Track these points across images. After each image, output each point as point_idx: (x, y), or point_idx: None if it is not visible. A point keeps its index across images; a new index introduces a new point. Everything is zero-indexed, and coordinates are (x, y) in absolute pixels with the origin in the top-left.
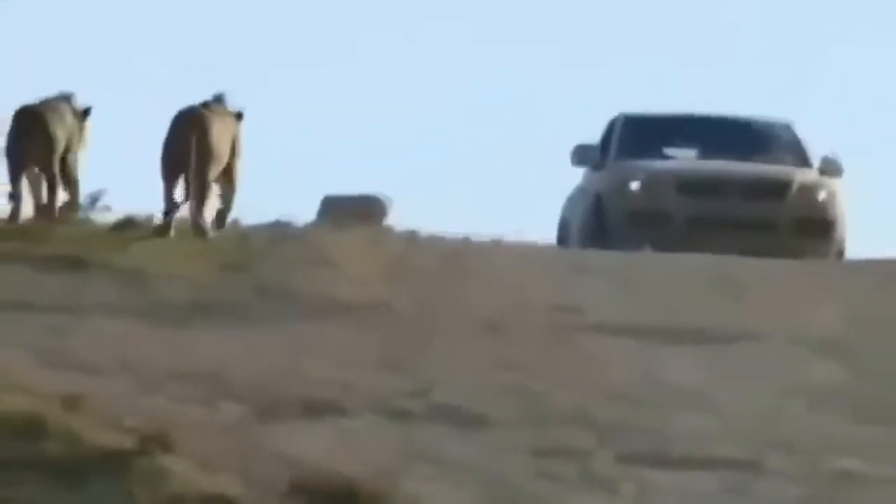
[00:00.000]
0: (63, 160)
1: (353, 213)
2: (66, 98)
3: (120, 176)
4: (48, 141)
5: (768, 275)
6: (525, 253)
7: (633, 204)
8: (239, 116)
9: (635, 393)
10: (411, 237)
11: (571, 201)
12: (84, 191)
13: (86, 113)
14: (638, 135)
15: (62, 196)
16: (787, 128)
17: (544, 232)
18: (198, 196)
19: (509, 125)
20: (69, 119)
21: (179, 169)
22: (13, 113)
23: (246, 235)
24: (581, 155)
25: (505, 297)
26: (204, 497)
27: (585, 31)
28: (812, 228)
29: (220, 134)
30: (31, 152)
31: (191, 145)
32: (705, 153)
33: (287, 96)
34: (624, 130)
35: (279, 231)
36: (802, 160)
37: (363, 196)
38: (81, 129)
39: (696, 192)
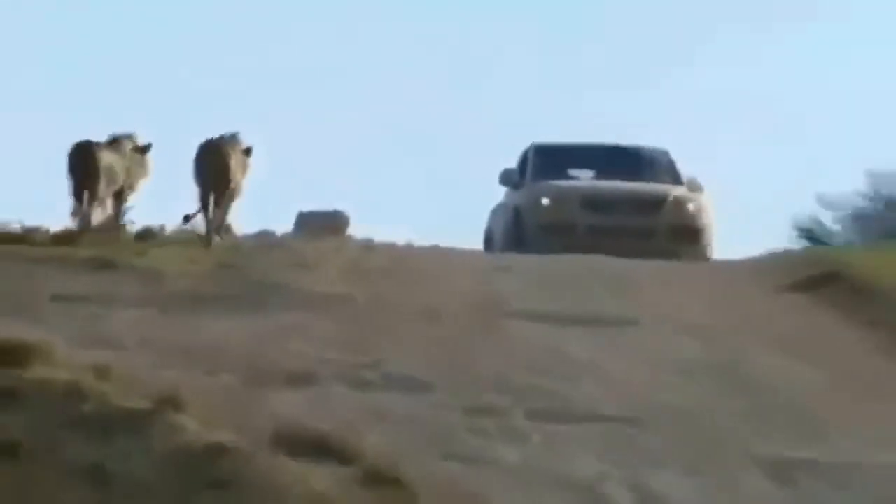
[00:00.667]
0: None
1: (321, 225)
2: (128, 136)
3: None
4: (97, 172)
5: (648, 273)
6: (457, 256)
7: (545, 216)
8: (248, 151)
9: (544, 364)
10: (367, 244)
11: (495, 214)
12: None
13: (146, 148)
14: (547, 160)
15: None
16: (665, 154)
17: (474, 240)
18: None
19: (444, 152)
20: (128, 153)
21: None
22: (73, 146)
23: (237, 242)
24: (505, 177)
25: (442, 291)
26: (207, 446)
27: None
28: (684, 234)
29: (236, 164)
30: (84, 181)
31: (223, 171)
32: (601, 175)
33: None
34: (535, 157)
35: (263, 239)
36: (676, 180)
37: (329, 212)
38: (143, 161)
39: (595, 206)
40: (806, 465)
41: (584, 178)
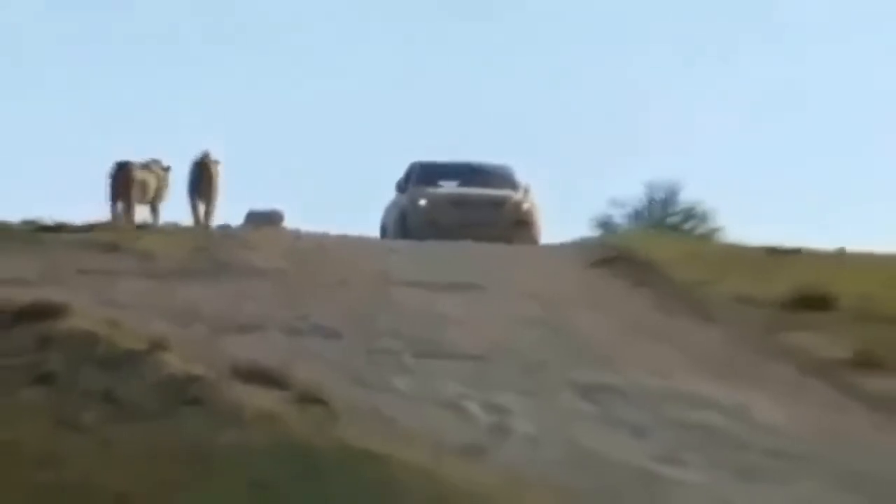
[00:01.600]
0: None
1: (264, 220)
2: (156, 161)
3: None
4: (131, 186)
5: (495, 254)
6: (360, 241)
7: (422, 213)
8: (217, 163)
9: (422, 318)
10: (296, 233)
11: (387, 212)
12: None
13: (167, 169)
14: (425, 173)
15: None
16: (508, 168)
17: (372, 229)
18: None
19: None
20: (159, 173)
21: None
22: (114, 164)
23: (208, 232)
24: (397, 184)
25: (348, 266)
26: (186, 376)
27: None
28: (520, 225)
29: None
30: (120, 192)
31: (213, 182)
32: (463, 184)
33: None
34: (417, 170)
35: (224, 230)
36: (515, 187)
37: (269, 210)
38: (167, 179)
39: (458, 205)
40: (605, 388)
41: (450, 186)
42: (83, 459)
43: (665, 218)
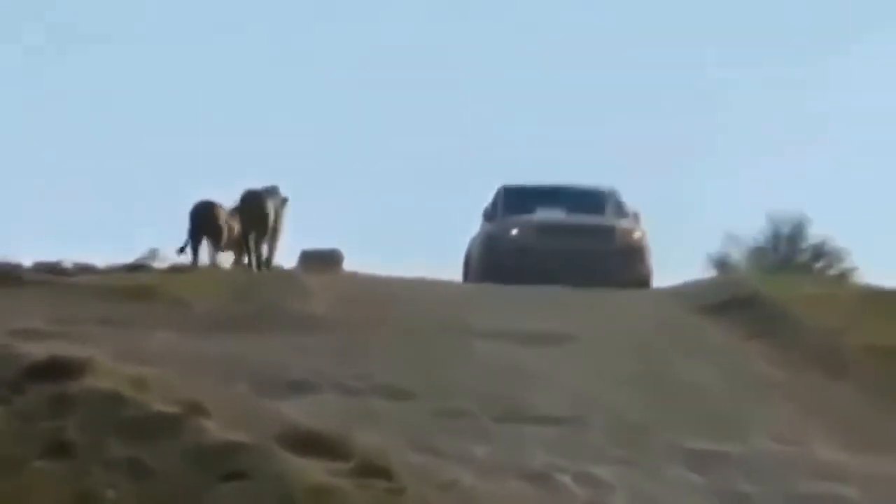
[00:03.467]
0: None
1: (319, 261)
2: (274, 189)
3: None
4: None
5: (589, 298)
6: (432, 285)
7: (513, 246)
8: (284, 201)
9: (505, 375)
10: (357, 276)
11: (472, 244)
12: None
13: (285, 200)
14: (516, 198)
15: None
16: (614, 193)
17: (448, 271)
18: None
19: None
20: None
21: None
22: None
23: (259, 275)
24: (484, 212)
25: (417, 314)
26: (226, 444)
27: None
28: (630, 256)
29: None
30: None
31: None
32: (561, 210)
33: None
34: (506, 195)
35: (272, 273)
36: (622, 213)
37: (326, 250)
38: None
39: (554, 235)
40: (720, 457)
41: (546, 212)
42: None
43: (791, 256)
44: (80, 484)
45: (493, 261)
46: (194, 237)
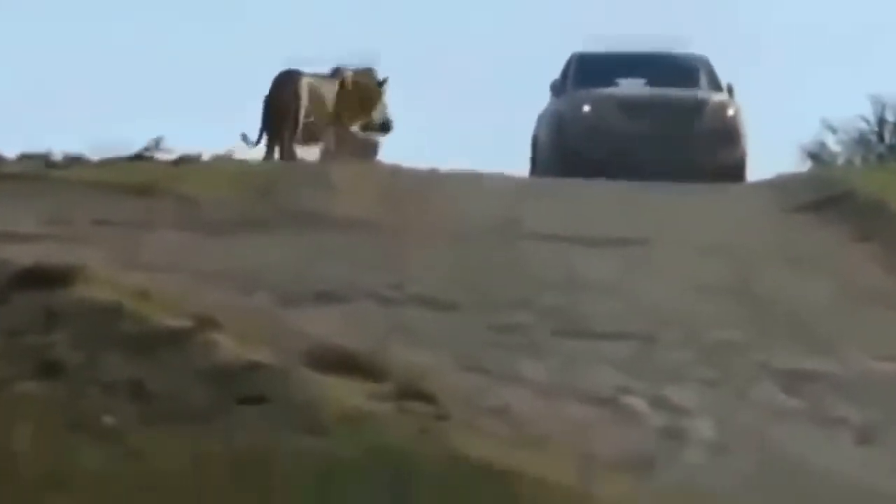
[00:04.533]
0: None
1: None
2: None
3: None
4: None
5: (664, 195)
6: (480, 179)
7: (585, 122)
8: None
9: (565, 284)
10: (394, 169)
11: (539, 122)
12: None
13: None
14: (590, 68)
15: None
16: (705, 61)
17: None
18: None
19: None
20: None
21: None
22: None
23: (276, 166)
24: (552, 86)
25: (463, 213)
26: (242, 363)
27: None
28: (722, 138)
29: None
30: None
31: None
32: (642, 82)
33: None
34: (577, 66)
35: (297, 166)
36: (716, 86)
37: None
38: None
39: (634, 112)
40: (817, 377)
41: (623, 85)
42: (103, 475)
43: None
44: (74, 408)
45: (561, 145)
46: (267, 122)
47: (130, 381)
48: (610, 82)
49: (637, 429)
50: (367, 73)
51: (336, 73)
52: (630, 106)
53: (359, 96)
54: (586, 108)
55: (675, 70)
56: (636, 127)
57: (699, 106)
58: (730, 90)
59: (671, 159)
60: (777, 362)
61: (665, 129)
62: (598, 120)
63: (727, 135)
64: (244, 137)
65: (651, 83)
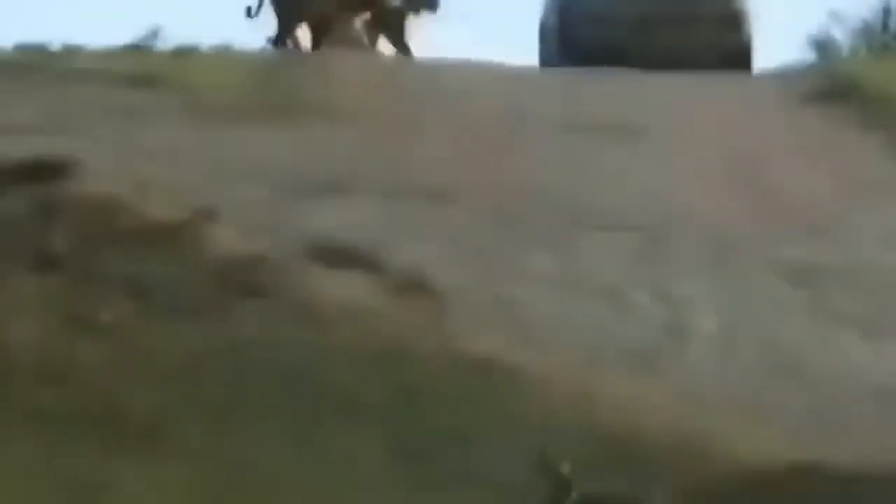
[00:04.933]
0: None
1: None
2: None
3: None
4: None
5: (669, 86)
6: (485, 68)
7: (582, 7)
8: None
9: (569, 174)
10: (398, 60)
11: (545, 6)
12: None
13: None
14: None
15: None
16: None
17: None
18: None
19: None
20: None
21: None
22: None
23: (272, 57)
24: None
25: (466, 102)
26: (243, 256)
27: None
28: (727, 22)
29: None
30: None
31: None
32: None
33: None
34: None
35: (295, 56)
36: None
37: None
38: None
39: None
40: (822, 270)
41: None
42: (101, 371)
43: None
44: (71, 303)
45: (561, 30)
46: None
47: (128, 275)
48: None
49: (641, 323)
50: None
51: None
52: None
53: None
54: None
55: None
56: (635, 10)
57: None
58: None
59: (673, 45)
60: (782, 255)
61: (666, 14)
62: (595, 4)
63: (732, 18)
64: (249, 11)
65: None
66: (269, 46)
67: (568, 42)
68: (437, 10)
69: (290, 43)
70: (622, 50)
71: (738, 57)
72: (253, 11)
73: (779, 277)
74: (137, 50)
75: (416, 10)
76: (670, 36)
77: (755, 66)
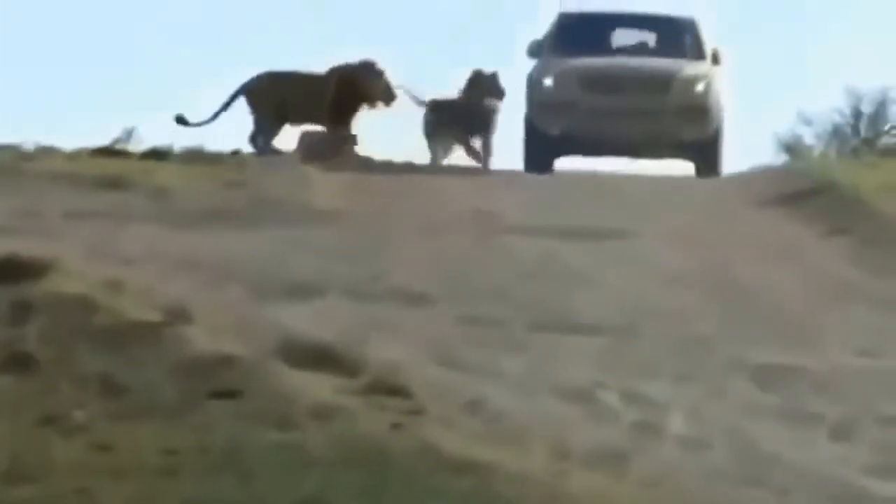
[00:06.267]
0: None
1: (323, 144)
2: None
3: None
4: None
5: (638, 186)
6: (456, 172)
7: (547, 100)
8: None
9: (541, 277)
10: (368, 161)
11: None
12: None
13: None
14: (568, 29)
15: None
16: (691, 23)
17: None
18: None
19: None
20: None
21: None
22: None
23: (243, 159)
24: (530, 48)
25: (439, 206)
26: (213, 356)
27: None
28: (690, 114)
29: None
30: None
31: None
32: (620, 48)
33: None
34: (558, 26)
35: (267, 157)
36: (699, 52)
37: None
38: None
39: (597, 86)
40: (792, 372)
41: (595, 53)
42: (74, 471)
43: (874, 139)
44: (45, 403)
45: (527, 119)
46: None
47: (102, 375)
48: (587, 46)
49: (611, 424)
50: (365, 66)
51: (331, 72)
52: (593, 80)
53: (351, 93)
54: (548, 81)
55: (659, 34)
56: (599, 102)
57: (666, 81)
58: (715, 57)
59: (635, 136)
60: (751, 357)
61: (629, 105)
62: (559, 94)
63: (695, 111)
64: (179, 119)
65: (631, 50)
66: (245, 148)
67: (531, 131)
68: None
69: (269, 144)
70: (582, 140)
71: (701, 147)
72: (184, 119)
73: (748, 379)
74: (111, 151)
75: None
76: (631, 127)
77: (726, 167)
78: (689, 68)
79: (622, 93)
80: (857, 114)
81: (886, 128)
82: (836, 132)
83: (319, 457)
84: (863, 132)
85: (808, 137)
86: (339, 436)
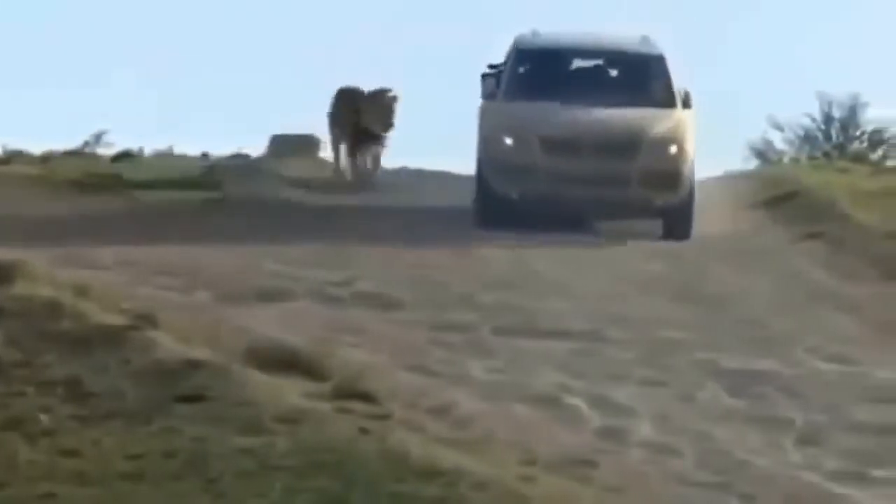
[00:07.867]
0: None
1: (293, 148)
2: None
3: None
4: None
5: None
6: (426, 175)
7: (506, 156)
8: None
9: (509, 282)
10: (336, 167)
11: (480, 134)
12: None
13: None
14: (527, 65)
15: None
16: (660, 60)
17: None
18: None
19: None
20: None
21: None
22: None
23: (215, 164)
24: (484, 88)
25: (409, 210)
26: (181, 361)
27: None
28: (661, 181)
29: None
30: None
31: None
32: (579, 90)
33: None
34: (516, 60)
35: (238, 161)
36: (668, 96)
37: (302, 135)
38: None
39: (559, 149)
40: (761, 377)
41: (556, 103)
42: (39, 476)
43: (844, 144)
44: (11, 407)
45: (478, 185)
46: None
47: (68, 379)
48: (546, 89)
49: (579, 429)
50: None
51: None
52: (555, 143)
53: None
54: (508, 140)
55: (626, 73)
56: (562, 167)
57: (634, 143)
58: (686, 100)
59: (600, 202)
60: (721, 362)
61: (594, 171)
62: (519, 156)
63: (667, 176)
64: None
65: (595, 95)
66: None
67: (486, 189)
68: None
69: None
70: (543, 206)
71: (673, 212)
72: None
73: (719, 385)
74: (80, 154)
75: None
76: (597, 192)
77: (693, 224)
78: (660, 124)
79: (586, 157)
80: (827, 119)
81: (857, 133)
82: (807, 137)
83: (285, 462)
84: (834, 137)
85: (779, 142)
86: (305, 441)
